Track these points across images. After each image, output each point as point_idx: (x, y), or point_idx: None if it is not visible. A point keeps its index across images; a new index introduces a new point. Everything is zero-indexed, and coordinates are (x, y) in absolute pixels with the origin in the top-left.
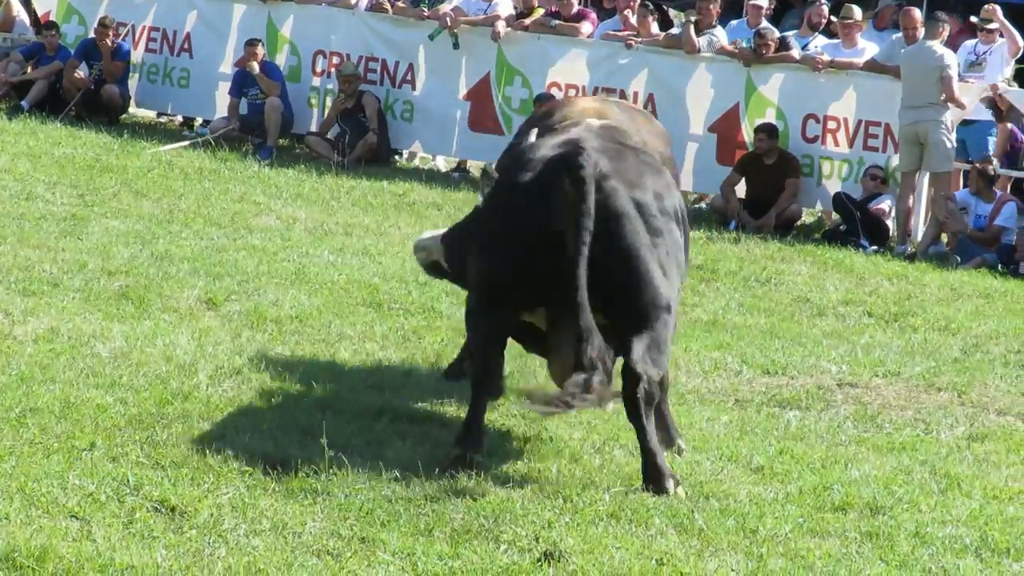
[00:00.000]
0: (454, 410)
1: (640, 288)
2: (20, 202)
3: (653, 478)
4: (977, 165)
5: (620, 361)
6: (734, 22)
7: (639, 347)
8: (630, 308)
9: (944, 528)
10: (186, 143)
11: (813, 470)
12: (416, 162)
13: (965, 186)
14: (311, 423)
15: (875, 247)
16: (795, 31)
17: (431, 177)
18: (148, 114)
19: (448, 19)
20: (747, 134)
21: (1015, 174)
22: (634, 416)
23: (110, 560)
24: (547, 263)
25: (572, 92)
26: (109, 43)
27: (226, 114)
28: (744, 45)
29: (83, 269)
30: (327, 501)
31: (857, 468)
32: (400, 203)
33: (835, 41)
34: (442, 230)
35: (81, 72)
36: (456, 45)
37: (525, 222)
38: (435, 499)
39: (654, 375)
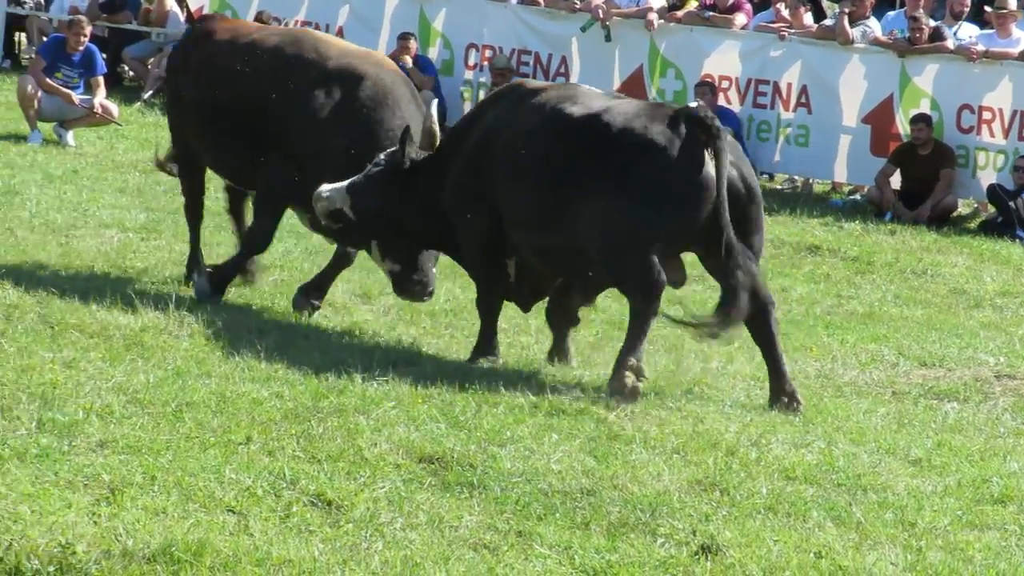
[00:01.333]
0: (609, 402)
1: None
2: (174, 196)
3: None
4: None
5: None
6: (890, 13)
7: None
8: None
9: None
10: None
11: (971, 462)
12: None
13: None
14: (466, 416)
15: None
16: (939, 21)
17: None
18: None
19: (600, 11)
20: (901, 125)
21: None
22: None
23: (267, 554)
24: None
25: (725, 84)
26: None
27: None
28: (898, 36)
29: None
30: (483, 495)
31: (1016, 460)
32: None
33: (989, 31)
34: (342, 183)
35: None
36: (608, 37)
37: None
38: (591, 492)
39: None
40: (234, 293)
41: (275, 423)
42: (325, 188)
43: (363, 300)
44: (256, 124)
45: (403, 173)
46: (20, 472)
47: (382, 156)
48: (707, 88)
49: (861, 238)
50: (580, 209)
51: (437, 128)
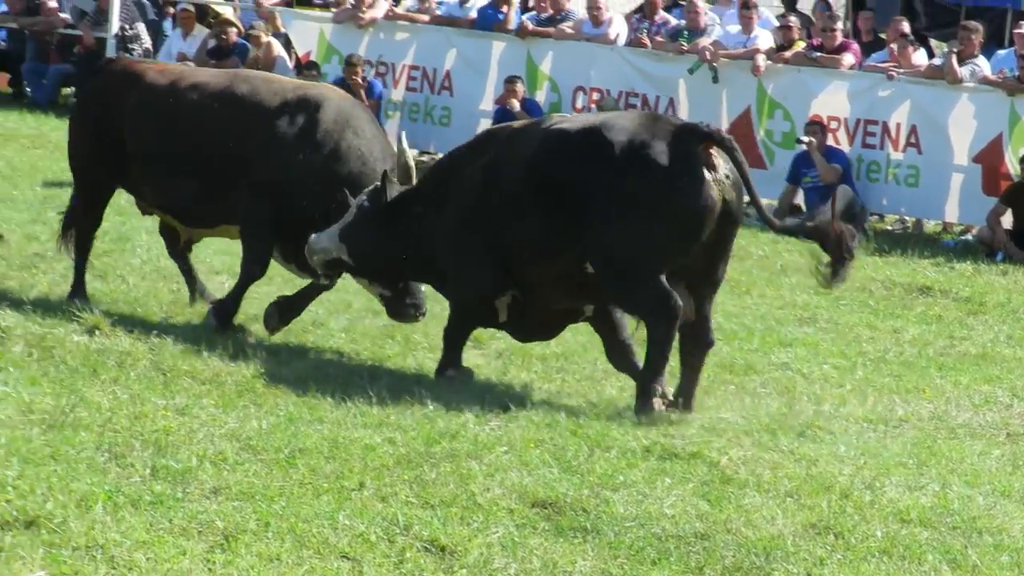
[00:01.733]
0: (721, 447)
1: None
2: None
3: None
4: None
5: None
6: (1000, 52)
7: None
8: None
9: None
10: None
11: None
12: None
13: None
14: (579, 461)
15: None
16: None
17: None
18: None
19: (708, 53)
20: (1011, 164)
21: None
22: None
23: None
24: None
25: (834, 125)
26: (359, 80)
27: None
28: (1008, 75)
29: (348, 309)
30: (597, 539)
31: None
32: None
33: None
34: (332, 230)
35: None
36: (716, 79)
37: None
38: (705, 537)
39: None
40: (344, 338)
41: (388, 469)
42: (318, 239)
43: (474, 345)
44: (217, 159)
45: (390, 212)
46: (135, 519)
47: (364, 197)
48: (817, 127)
49: (973, 279)
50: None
51: (412, 162)
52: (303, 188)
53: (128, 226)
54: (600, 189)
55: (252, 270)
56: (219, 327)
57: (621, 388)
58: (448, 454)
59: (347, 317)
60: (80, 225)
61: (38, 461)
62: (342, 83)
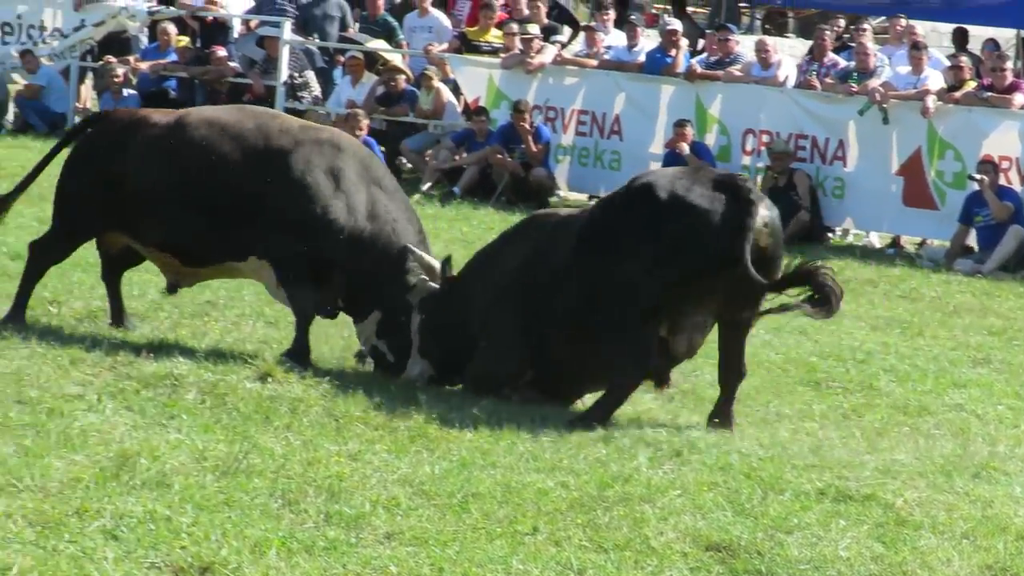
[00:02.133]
0: (896, 489)
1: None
2: None
3: None
4: None
5: None
6: None
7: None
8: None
9: None
10: None
11: None
12: (850, 239)
13: None
14: (752, 504)
15: None
16: None
17: (865, 254)
18: (580, 197)
19: (878, 94)
20: None
21: None
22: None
23: None
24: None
25: (1005, 165)
26: (527, 126)
27: None
28: None
29: None
30: None
31: None
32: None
33: None
34: (413, 357)
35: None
36: (886, 120)
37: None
38: None
39: None
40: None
41: (561, 513)
42: (411, 370)
43: (645, 388)
44: (232, 199)
45: (451, 310)
46: (308, 565)
47: (417, 306)
48: (990, 167)
49: None
50: None
51: (435, 262)
52: (329, 228)
53: None
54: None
55: (305, 311)
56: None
57: (794, 431)
58: (621, 498)
59: None
60: (48, 256)
61: (212, 508)
62: (511, 128)
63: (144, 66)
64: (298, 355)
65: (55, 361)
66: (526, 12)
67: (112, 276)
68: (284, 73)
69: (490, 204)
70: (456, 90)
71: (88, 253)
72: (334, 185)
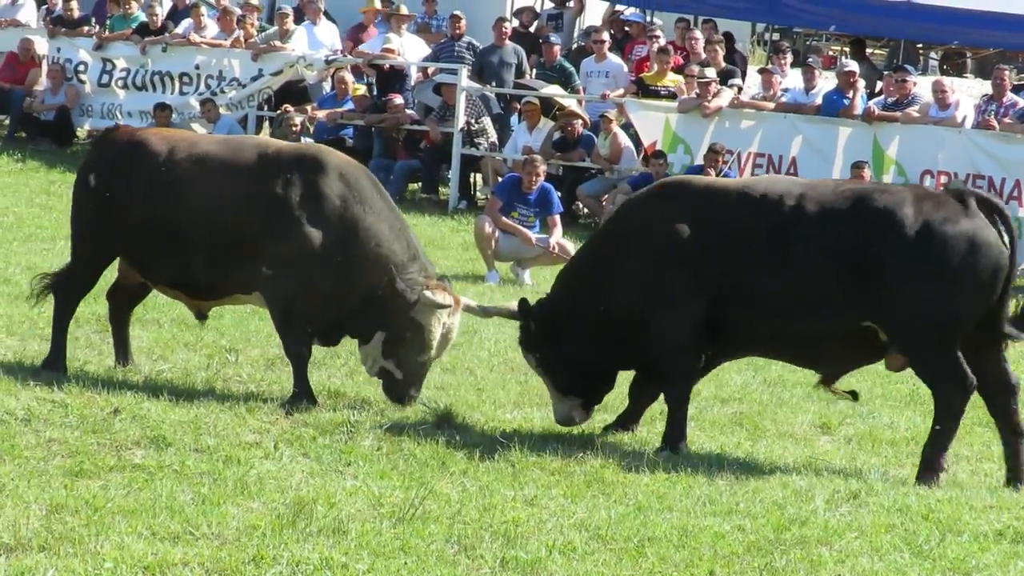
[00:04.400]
0: None
1: None
2: None
3: None
4: None
5: None
6: None
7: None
8: None
9: None
10: None
11: None
12: None
13: None
14: (930, 545)
15: None
16: None
17: None
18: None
19: None
20: None
21: None
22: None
23: None
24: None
25: None
26: (715, 170)
27: None
28: None
29: (696, 397)
30: None
31: None
32: None
33: None
34: (556, 396)
35: None
36: None
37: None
38: None
39: None
40: (692, 426)
41: (738, 556)
42: (559, 414)
43: (823, 430)
44: (219, 234)
45: (571, 323)
46: None
47: (528, 351)
48: None
49: None
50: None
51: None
52: (318, 259)
53: (476, 320)
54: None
55: (299, 351)
56: (297, 410)
57: (972, 472)
58: (798, 541)
59: (696, 405)
60: (70, 292)
61: (388, 554)
62: (700, 171)
63: (321, 114)
64: (299, 399)
65: (232, 409)
66: (703, 56)
67: (121, 313)
68: (461, 120)
69: None
70: (635, 136)
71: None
72: (311, 212)
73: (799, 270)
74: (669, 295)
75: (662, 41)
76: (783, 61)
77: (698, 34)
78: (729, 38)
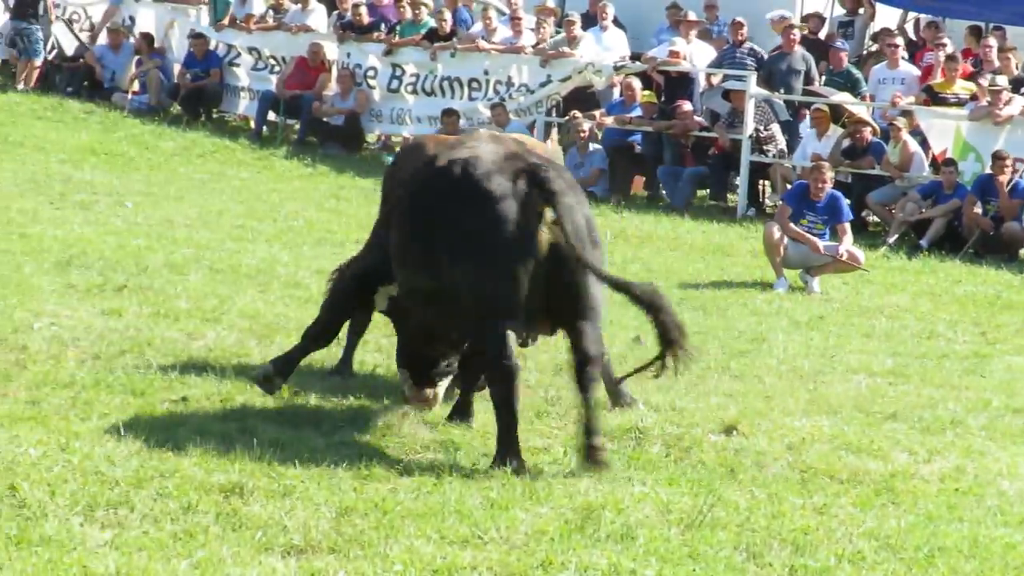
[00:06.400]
0: None
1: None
2: (922, 341)
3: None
4: None
5: None
6: None
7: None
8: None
9: None
10: None
11: None
12: None
13: None
14: None
15: None
16: None
17: None
18: None
19: None
20: None
21: None
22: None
23: None
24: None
25: None
26: (1005, 178)
27: None
28: None
29: (987, 407)
30: None
31: None
32: None
33: None
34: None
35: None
36: None
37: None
38: None
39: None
40: (982, 436)
41: None
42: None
43: None
44: None
45: None
46: None
47: None
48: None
49: None
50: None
51: None
52: None
53: (764, 327)
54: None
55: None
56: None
57: None
58: None
59: (986, 415)
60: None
61: (676, 561)
62: (989, 179)
63: (609, 120)
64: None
65: (521, 414)
66: (996, 64)
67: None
68: (750, 127)
69: (958, 257)
70: (924, 142)
71: None
72: None
73: None
74: None
75: (950, 48)
76: None
77: (992, 41)
78: None
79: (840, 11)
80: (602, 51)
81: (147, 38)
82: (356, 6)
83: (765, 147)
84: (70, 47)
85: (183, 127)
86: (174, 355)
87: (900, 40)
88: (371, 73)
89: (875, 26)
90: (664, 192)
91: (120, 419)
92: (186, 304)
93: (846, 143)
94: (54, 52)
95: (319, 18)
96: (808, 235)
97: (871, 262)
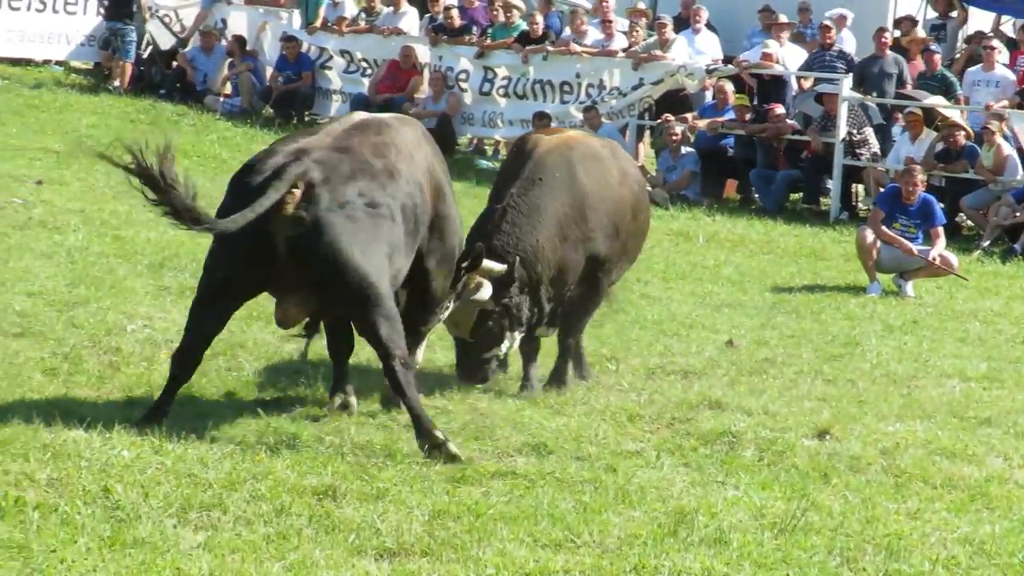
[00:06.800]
0: None
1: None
2: (1016, 345)
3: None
4: None
5: None
6: None
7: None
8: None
9: None
10: None
11: None
12: None
13: None
14: None
15: None
16: None
17: None
18: None
19: None
20: None
21: None
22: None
23: None
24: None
25: None
26: None
27: None
28: None
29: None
30: None
31: None
32: None
33: None
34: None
35: None
36: None
37: None
38: None
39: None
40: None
41: None
42: None
43: None
44: None
45: None
46: None
47: None
48: None
49: None
50: None
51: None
52: None
53: (858, 331)
54: None
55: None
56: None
57: None
58: None
59: None
60: None
61: (770, 565)
62: None
63: (702, 124)
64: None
65: (613, 418)
66: None
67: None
68: (843, 130)
69: None
70: (1018, 147)
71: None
72: None
73: None
74: None
75: None
76: None
77: None
78: None
79: (932, 14)
80: (694, 54)
81: (239, 41)
82: (448, 9)
83: (858, 150)
84: (166, 43)
85: (275, 130)
86: (266, 358)
87: (996, 42)
88: (463, 76)
89: (968, 29)
90: (756, 196)
91: (213, 421)
92: None
93: (939, 147)
94: (149, 49)
95: (411, 21)
96: (900, 239)
97: (964, 266)
